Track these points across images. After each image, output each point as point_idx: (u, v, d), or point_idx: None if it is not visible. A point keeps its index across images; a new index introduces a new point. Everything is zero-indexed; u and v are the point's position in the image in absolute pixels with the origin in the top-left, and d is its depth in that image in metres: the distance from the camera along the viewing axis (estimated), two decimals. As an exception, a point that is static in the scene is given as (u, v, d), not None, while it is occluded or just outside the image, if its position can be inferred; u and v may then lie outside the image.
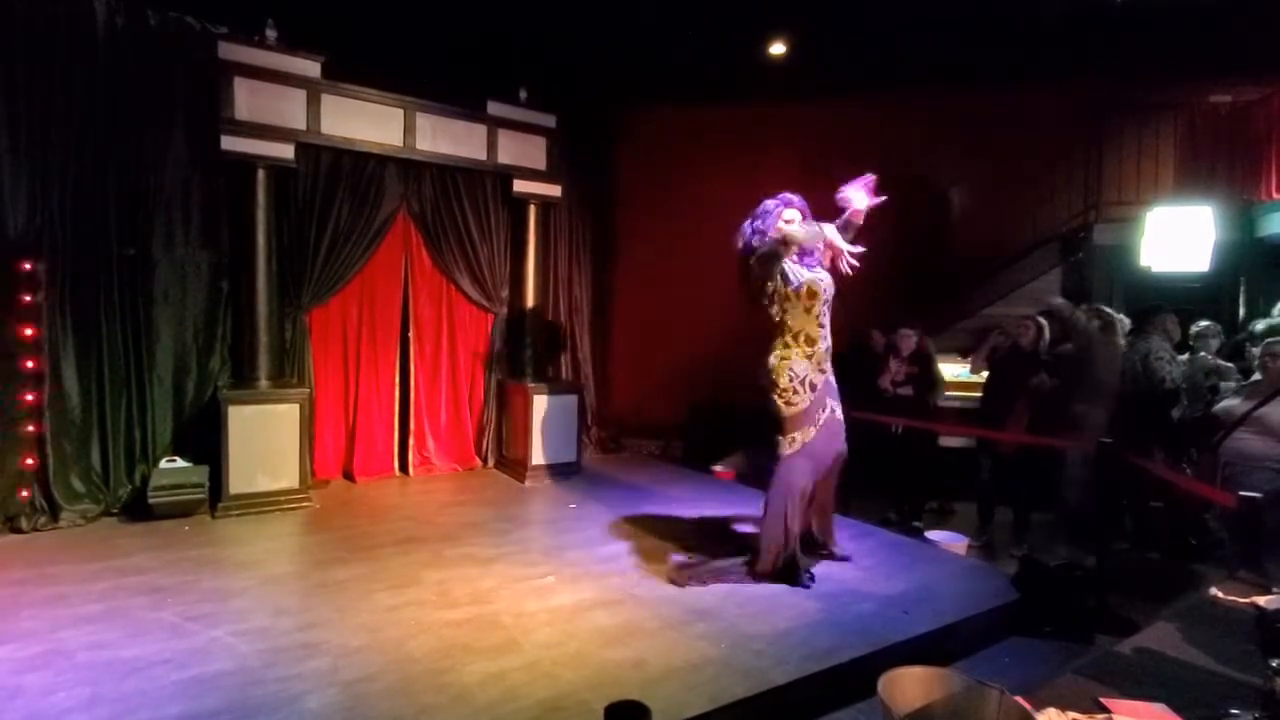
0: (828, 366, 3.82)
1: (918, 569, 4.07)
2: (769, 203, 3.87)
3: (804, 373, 3.70)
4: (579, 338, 7.16)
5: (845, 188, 3.78)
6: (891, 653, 2.99)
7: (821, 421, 3.76)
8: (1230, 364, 4.99)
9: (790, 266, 3.74)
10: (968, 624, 3.44)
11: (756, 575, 3.76)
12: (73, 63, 4.43)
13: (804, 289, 3.69)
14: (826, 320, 3.81)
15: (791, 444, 3.71)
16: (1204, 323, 5.21)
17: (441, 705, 2.55)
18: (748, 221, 3.91)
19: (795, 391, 3.68)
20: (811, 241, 3.73)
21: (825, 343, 3.80)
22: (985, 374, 5.36)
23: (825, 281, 3.78)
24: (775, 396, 3.71)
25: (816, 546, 4.10)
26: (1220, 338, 5.24)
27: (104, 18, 4.53)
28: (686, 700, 2.60)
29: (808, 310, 3.71)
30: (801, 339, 3.73)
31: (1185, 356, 5.09)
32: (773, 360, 3.74)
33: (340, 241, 5.42)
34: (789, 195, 3.86)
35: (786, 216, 3.78)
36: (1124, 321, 5.06)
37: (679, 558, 3.96)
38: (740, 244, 3.90)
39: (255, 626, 3.10)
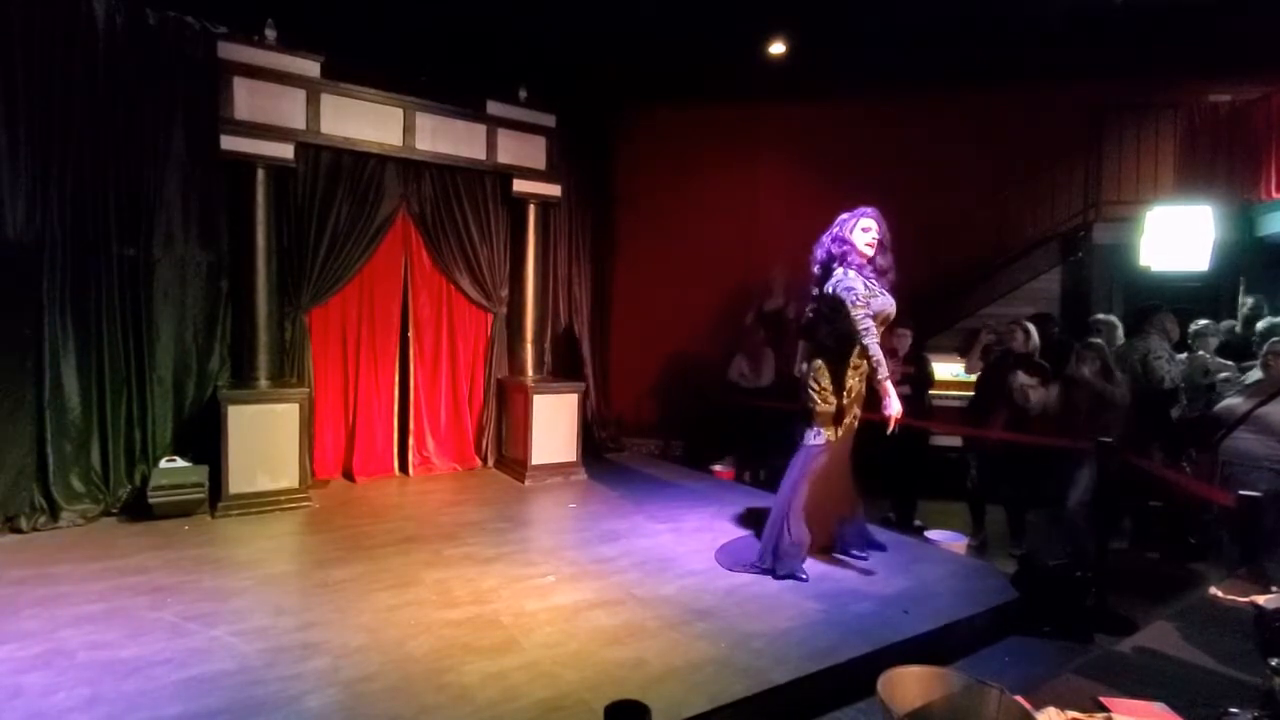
0: (864, 373, 3.97)
1: (917, 568, 4.07)
2: (844, 214, 3.92)
3: (843, 378, 3.87)
4: (579, 337, 7.15)
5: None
6: (891, 652, 2.99)
7: (846, 425, 3.95)
8: (1229, 362, 4.99)
9: (871, 289, 3.78)
10: (967, 623, 3.45)
11: (763, 563, 3.89)
12: (72, 62, 4.42)
13: (879, 317, 3.78)
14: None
15: (815, 437, 3.88)
16: (1203, 321, 5.22)
17: (441, 705, 2.55)
18: (826, 234, 3.94)
19: (831, 392, 3.86)
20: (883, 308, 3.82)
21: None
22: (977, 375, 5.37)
23: (892, 307, 3.88)
24: (813, 392, 3.88)
25: (837, 551, 4.16)
26: (1219, 337, 5.24)
27: (103, 17, 4.52)
28: (686, 700, 2.60)
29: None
30: (855, 353, 3.85)
31: (1184, 355, 5.10)
32: (818, 362, 3.90)
33: (340, 241, 5.42)
34: (864, 208, 3.88)
35: (864, 225, 3.83)
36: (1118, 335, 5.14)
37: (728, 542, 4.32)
38: (820, 253, 3.92)
39: (255, 626, 3.10)
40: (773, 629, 3.22)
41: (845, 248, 3.82)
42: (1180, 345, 5.18)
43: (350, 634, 3.06)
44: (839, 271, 3.78)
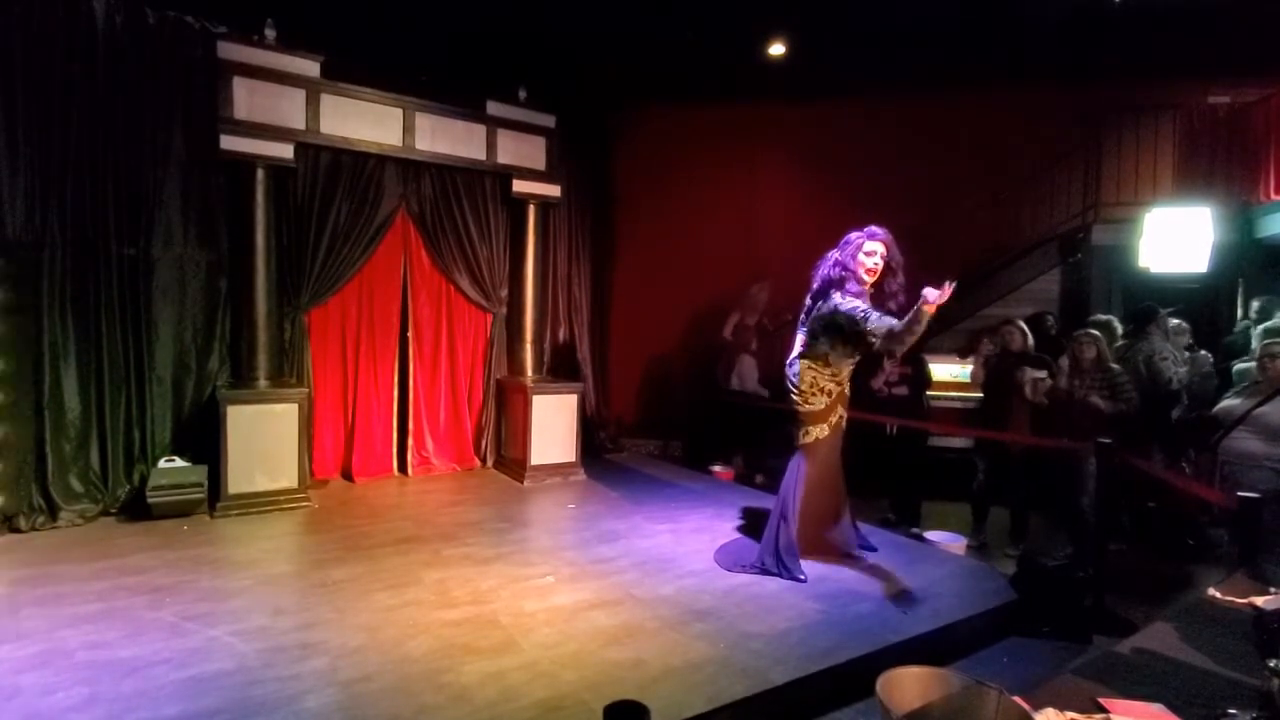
0: (845, 380, 4.06)
1: (916, 569, 4.07)
2: (853, 234, 3.84)
3: (825, 384, 3.95)
4: (578, 338, 7.15)
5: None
6: (890, 653, 2.99)
7: (832, 424, 4.01)
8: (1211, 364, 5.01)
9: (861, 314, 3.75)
10: (966, 624, 3.45)
11: (762, 564, 3.92)
12: (72, 62, 4.42)
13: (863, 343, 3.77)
14: (859, 356, 4.01)
15: (805, 436, 3.96)
16: (1174, 321, 5.26)
17: (440, 705, 2.55)
18: (830, 252, 3.88)
19: (814, 395, 3.93)
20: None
21: (851, 368, 4.03)
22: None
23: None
24: (794, 396, 3.97)
25: (835, 552, 4.15)
26: (1189, 336, 5.30)
27: (103, 17, 4.52)
28: (685, 700, 2.60)
29: (850, 356, 3.92)
30: (830, 361, 3.93)
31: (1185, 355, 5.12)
32: (797, 366, 3.97)
33: (339, 241, 5.42)
34: (874, 228, 3.81)
35: (868, 249, 3.77)
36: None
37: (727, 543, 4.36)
38: (822, 271, 3.86)
39: (254, 626, 3.10)
40: (772, 629, 3.22)
41: (844, 274, 3.75)
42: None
43: (349, 634, 3.05)
44: (836, 296, 3.71)
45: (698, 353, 7.41)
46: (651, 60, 6.44)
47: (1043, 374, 4.74)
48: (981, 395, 5.40)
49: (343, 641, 2.99)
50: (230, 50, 4.78)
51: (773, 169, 7.61)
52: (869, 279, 3.78)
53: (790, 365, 4.02)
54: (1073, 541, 4.43)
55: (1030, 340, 5.04)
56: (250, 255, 4.96)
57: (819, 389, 3.93)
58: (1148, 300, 5.42)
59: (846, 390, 4.10)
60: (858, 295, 3.73)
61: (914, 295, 3.78)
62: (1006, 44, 6.14)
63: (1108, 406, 4.40)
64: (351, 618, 3.22)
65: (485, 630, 3.14)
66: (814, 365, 3.93)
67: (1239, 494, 3.02)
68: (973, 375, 5.53)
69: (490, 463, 6.31)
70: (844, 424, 4.12)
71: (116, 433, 4.70)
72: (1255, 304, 5.70)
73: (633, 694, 1.81)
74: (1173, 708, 1.57)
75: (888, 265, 3.80)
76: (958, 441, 5.76)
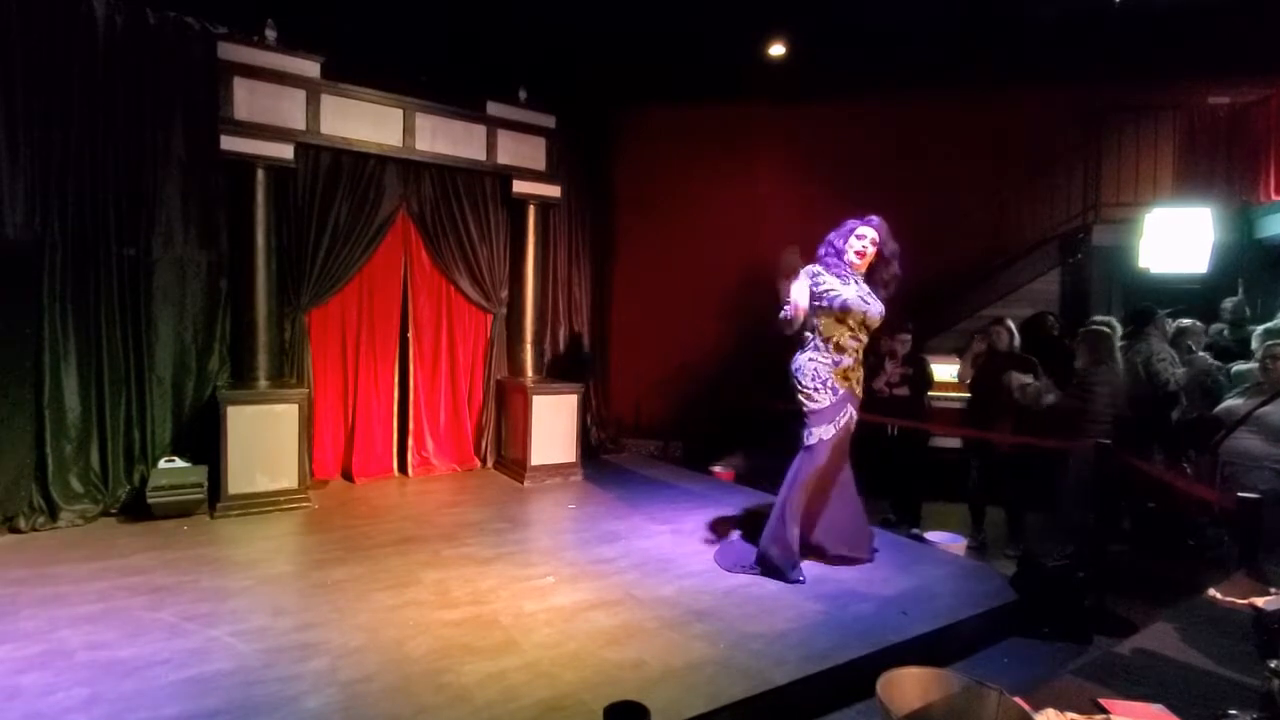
0: (853, 376, 3.99)
1: (916, 569, 4.07)
2: (851, 220, 3.98)
3: (826, 375, 3.88)
4: (579, 338, 7.16)
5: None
6: (890, 653, 2.99)
7: (841, 424, 3.93)
8: (1217, 362, 5.00)
9: (832, 284, 3.85)
10: (966, 624, 3.45)
11: (760, 564, 3.91)
12: (72, 62, 4.42)
13: (837, 307, 3.82)
14: (863, 336, 3.96)
15: (809, 436, 3.90)
16: (1187, 321, 5.25)
17: (440, 705, 2.55)
18: (831, 233, 4.01)
19: (817, 390, 3.87)
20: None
21: (855, 356, 3.96)
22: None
23: (871, 310, 3.88)
24: (799, 393, 3.92)
25: (834, 555, 4.12)
26: (1205, 337, 5.29)
27: (103, 17, 4.52)
28: (686, 701, 2.60)
29: (839, 321, 3.88)
30: (831, 345, 3.90)
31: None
32: (800, 359, 3.94)
33: (339, 241, 5.42)
34: (871, 216, 3.95)
35: (859, 232, 3.91)
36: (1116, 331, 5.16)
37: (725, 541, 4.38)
38: (818, 251, 3.97)
39: (254, 626, 3.10)
40: (772, 630, 3.22)
41: (830, 251, 3.95)
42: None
43: (349, 634, 3.05)
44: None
45: (738, 355, 7.32)
46: (651, 60, 6.43)
47: (1028, 377, 4.73)
48: (969, 395, 5.41)
49: (343, 642, 2.99)
50: (230, 50, 4.78)
51: (773, 169, 7.60)
52: (858, 261, 3.90)
53: (793, 361, 3.99)
54: (1071, 541, 4.42)
55: (1017, 340, 5.05)
56: (250, 255, 4.96)
57: (821, 381, 3.86)
58: (1148, 301, 5.43)
59: (857, 389, 4.01)
60: (835, 269, 3.89)
61: (905, 284, 4.05)
62: (1006, 44, 6.14)
63: (1057, 398, 4.43)
64: (351, 618, 3.22)
65: (485, 630, 3.14)
66: (815, 354, 3.89)
67: (1239, 494, 3.02)
68: (959, 374, 5.52)
69: (490, 463, 6.31)
70: (853, 424, 4.03)
71: (116, 433, 4.70)
72: (1227, 304, 5.74)
73: (633, 694, 1.81)
74: (1173, 708, 1.57)
75: (880, 254, 3.92)
76: (957, 442, 5.76)
